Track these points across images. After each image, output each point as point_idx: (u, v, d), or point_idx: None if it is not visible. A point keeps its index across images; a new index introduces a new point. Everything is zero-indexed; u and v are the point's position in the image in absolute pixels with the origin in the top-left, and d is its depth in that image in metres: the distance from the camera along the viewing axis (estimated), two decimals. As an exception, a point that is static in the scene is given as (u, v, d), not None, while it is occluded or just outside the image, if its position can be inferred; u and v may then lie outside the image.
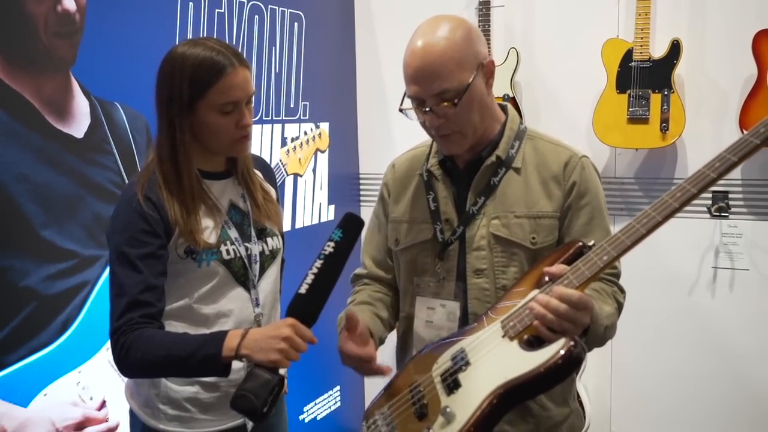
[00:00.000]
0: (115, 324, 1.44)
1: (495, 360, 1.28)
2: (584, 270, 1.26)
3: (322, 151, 3.22)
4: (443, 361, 1.37)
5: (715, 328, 2.92)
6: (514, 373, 1.21)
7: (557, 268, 1.30)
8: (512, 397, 1.22)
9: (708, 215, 2.86)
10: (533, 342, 1.27)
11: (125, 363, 1.44)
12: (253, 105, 1.59)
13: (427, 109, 1.44)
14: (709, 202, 2.84)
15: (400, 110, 1.51)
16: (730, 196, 2.83)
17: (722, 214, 2.83)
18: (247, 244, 1.61)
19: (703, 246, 2.91)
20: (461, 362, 1.33)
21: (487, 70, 1.47)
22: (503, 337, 1.31)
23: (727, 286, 2.89)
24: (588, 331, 1.34)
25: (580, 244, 1.35)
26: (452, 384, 1.30)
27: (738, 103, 2.74)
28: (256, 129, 2.78)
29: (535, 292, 1.32)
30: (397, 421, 1.36)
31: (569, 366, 1.20)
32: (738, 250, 2.86)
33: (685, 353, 2.97)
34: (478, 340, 1.35)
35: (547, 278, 1.32)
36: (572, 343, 1.19)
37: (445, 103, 1.42)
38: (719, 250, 2.89)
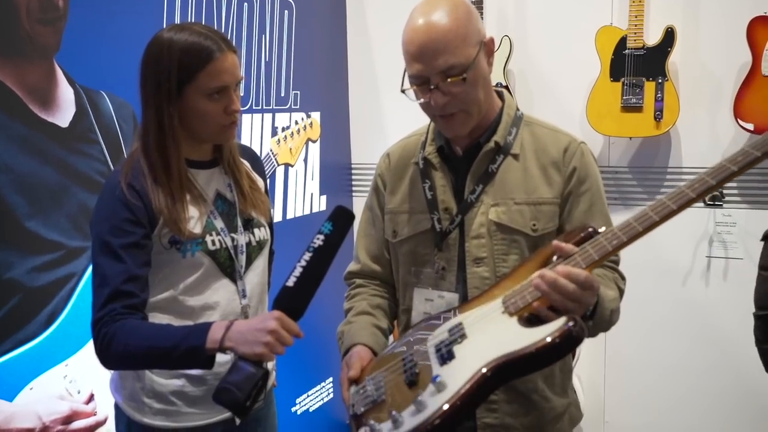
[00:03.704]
0: (97, 315, 1.41)
1: (492, 334, 1.26)
2: (592, 253, 1.24)
3: (314, 141, 3.19)
4: (439, 333, 1.35)
5: (709, 318, 2.91)
6: (510, 348, 1.19)
7: (568, 246, 1.28)
8: (506, 371, 1.19)
9: (702, 204, 2.84)
10: (533, 320, 1.25)
11: (107, 354, 1.41)
12: (240, 92, 1.56)
13: (433, 87, 1.40)
14: (704, 191, 2.83)
15: (402, 91, 1.47)
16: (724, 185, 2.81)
17: (716, 202, 2.81)
18: (233, 235, 1.58)
19: (697, 235, 2.89)
20: (457, 335, 1.31)
21: (488, 49, 1.45)
22: (503, 313, 1.29)
23: (721, 275, 2.88)
24: (594, 315, 1.32)
25: (591, 229, 1.32)
26: (446, 355, 1.28)
27: (732, 91, 2.72)
28: (245, 118, 2.75)
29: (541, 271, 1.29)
30: (386, 388, 1.33)
31: (567, 345, 1.18)
32: (732, 239, 2.85)
33: (679, 343, 2.97)
34: (476, 315, 1.34)
35: (555, 257, 1.30)
36: (572, 322, 1.18)
37: (451, 79, 1.38)
38: (713, 239, 2.87)
